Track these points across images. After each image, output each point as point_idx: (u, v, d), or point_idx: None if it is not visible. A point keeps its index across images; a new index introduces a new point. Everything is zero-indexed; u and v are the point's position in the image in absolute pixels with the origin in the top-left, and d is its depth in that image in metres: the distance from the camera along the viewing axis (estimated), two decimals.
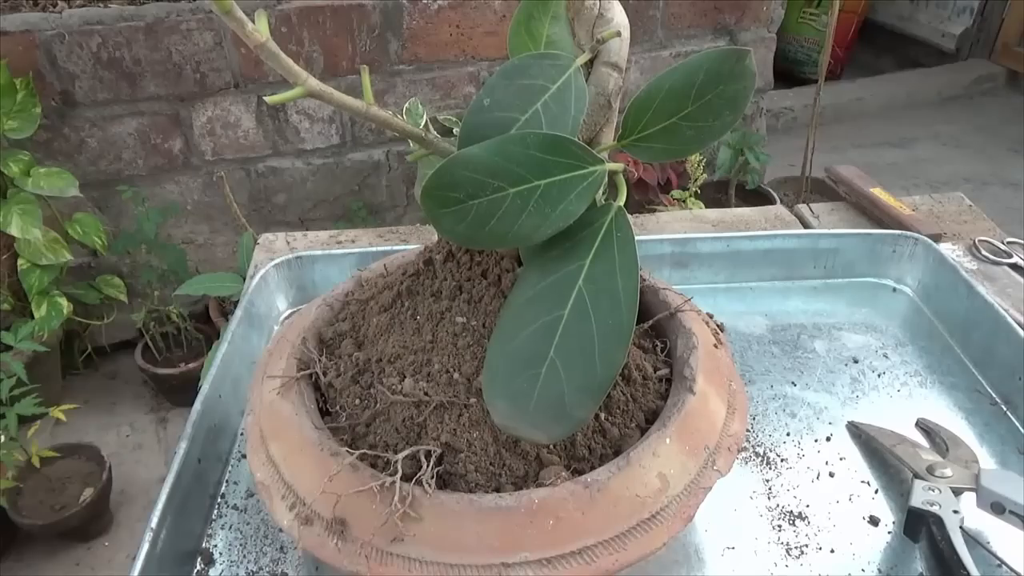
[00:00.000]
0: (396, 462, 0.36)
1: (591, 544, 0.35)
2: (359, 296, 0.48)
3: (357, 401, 0.42)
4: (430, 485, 0.35)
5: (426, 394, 0.39)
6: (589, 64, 0.38)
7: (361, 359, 0.43)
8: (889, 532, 0.50)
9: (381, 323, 0.44)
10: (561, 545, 0.35)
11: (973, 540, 0.46)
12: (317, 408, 0.42)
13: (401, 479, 0.35)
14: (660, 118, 0.34)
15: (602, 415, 0.40)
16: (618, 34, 0.36)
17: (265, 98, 0.33)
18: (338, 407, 0.42)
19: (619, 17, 0.38)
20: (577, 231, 0.34)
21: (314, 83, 0.33)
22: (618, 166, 0.35)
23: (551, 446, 0.38)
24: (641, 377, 0.43)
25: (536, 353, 0.33)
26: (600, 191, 0.39)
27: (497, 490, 0.37)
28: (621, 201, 0.35)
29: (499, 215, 0.32)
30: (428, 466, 0.36)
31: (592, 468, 0.38)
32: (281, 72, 0.32)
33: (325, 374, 0.44)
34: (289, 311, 0.72)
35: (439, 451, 0.38)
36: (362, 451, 0.38)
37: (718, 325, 0.71)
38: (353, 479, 0.36)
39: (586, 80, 0.37)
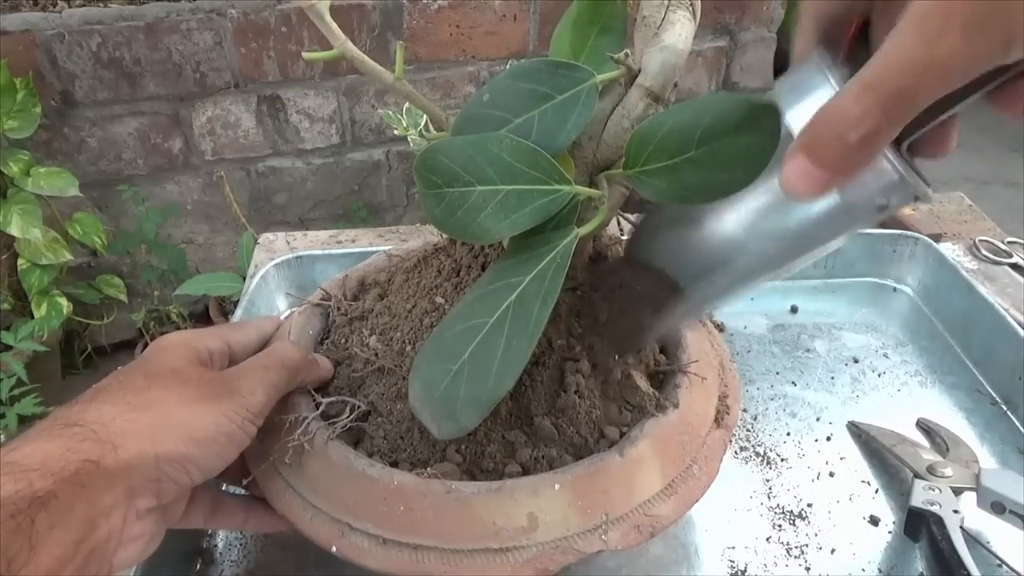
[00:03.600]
0: (320, 404, 0.40)
1: (425, 545, 0.35)
2: (407, 256, 0.51)
3: (343, 341, 0.45)
4: (331, 434, 0.38)
5: (376, 355, 0.42)
6: (631, 83, 0.35)
7: (365, 308, 0.46)
8: (889, 532, 0.50)
9: (398, 282, 0.46)
10: (400, 531, 0.36)
11: (973, 540, 0.46)
12: (316, 335, 0.47)
13: (321, 417, 0.39)
14: (662, 155, 0.32)
15: (524, 436, 0.39)
16: (622, 60, 0.34)
17: (304, 54, 0.35)
18: (329, 341, 0.46)
19: (674, 39, 0.34)
20: (537, 246, 0.34)
21: (350, 47, 0.34)
22: (595, 192, 0.35)
23: (460, 447, 0.39)
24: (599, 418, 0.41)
25: (456, 350, 0.34)
26: (600, 211, 0.37)
27: (394, 464, 0.39)
28: (585, 230, 0.34)
29: (465, 208, 0.33)
30: (347, 417, 0.39)
31: (489, 479, 0.37)
32: (324, 32, 0.34)
33: (339, 309, 0.47)
34: (289, 311, 0.72)
35: (366, 409, 0.41)
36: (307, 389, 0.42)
37: (717, 325, 0.71)
38: (283, 405, 0.40)
39: (620, 99, 0.35)
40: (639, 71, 0.35)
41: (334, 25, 0.34)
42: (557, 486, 0.36)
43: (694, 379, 0.43)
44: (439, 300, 0.42)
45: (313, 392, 0.41)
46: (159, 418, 0.33)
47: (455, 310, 0.36)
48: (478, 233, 0.34)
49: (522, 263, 0.34)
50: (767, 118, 0.28)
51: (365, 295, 0.49)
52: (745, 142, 0.29)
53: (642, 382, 0.42)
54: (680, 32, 0.34)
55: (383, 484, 0.36)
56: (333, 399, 0.40)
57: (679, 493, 0.39)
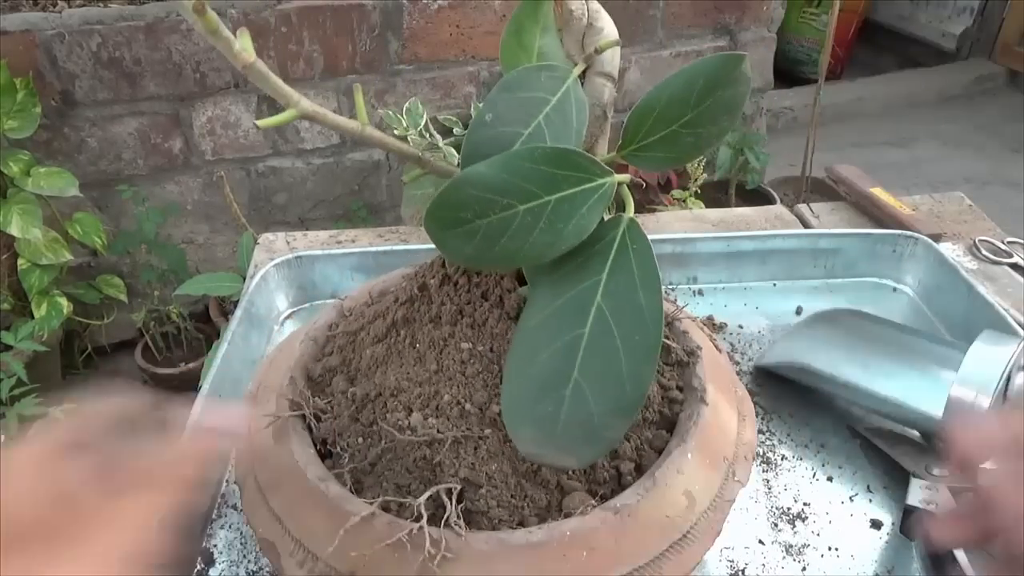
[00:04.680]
0: (419, 506, 0.34)
1: (627, 572, 0.34)
2: (346, 328, 0.46)
3: (360, 440, 0.39)
4: (459, 526, 0.34)
5: (439, 431, 0.37)
6: (582, 75, 0.37)
7: (358, 395, 0.40)
8: (888, 532, 0.50)
9: (376, 355, 0.42)
10: (602, 571, 0.33)
11: None
12: (316, 452, 0.40)
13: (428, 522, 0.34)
14: (660, 126, 0.33)
15: None
16: (616, 43, 0.36)
17: (255, 122, 0.33)
18: (339, 449, 0.40)
19: (609, 27, 0.37)
20: (587, 246, 0.33)
21: (307, 104, 0.32)
22: (624, 177, 0.34)
23: (570, 472, 0.37)
24: (653, 391, 0.42)
25: (558, 375, 0.31)
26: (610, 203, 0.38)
27: (521, 523, 0.36)
28: (630, 212, 0.34)
29: (509, 233, 0.31)
30: (452, 505, 0.35)
31: (613, 491, 0.37)
32: (271, 94, 0.31)
33: (323, 414, 0.41)
34: (289, 311, 0.72)
35: (459, 487, 0.36)
36: (383, 499, 0.36)
37: (718, 324, 0.71)
38: (370, 530, 0.34)
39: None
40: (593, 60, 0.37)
41: (282, 83, 0.31)
42: (689, 455, 0.37)
43: (685, 320, 0.46)
44: (466, 345, 0.39)
45: (401, 499, 0.36)
46: None
47: (519, 343, 0.34)
48: (533, 254, 0.32)
49: (581, 267, 0.33)
50: (741, 65, 0.32)
51: (326, 387, 0.43)
52: (731, 93, 0.32)
53: (669, 340, 0.44)
54: (607, 18, 0.37)
55: (556, 542, 0.34)
56: (428, 496, 0.35)
57: (746, 415, 0.43)
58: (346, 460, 0.39)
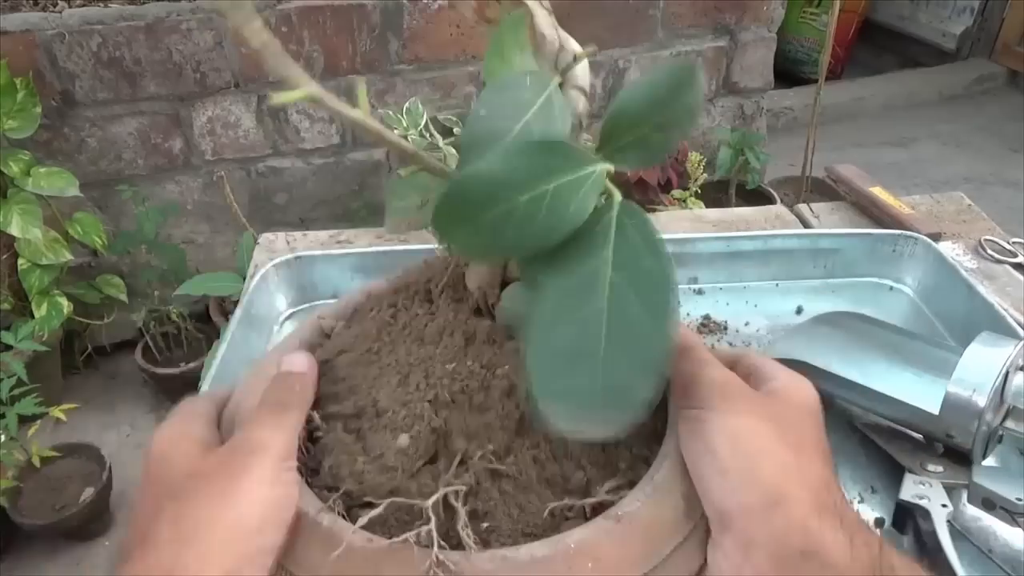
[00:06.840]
0: (426, 509, 0.33)
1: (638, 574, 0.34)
2: (328, 348, 0.44)
3: (346, 459, 0.38)
4: (469, 536, 0.33)
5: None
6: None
7: (342, 415, 0.40)
8: (887, 531, 0.50)
9: (358, 375, 0.41)
10: None
11: (961, 534, 0.46)
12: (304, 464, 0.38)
13: (429, 535, 0.33)
14: (636, 128, 0.36)
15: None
16: (593, 53, 0.39)
17: (270, 98, 0.33)
18: (328, 469, 0.38)
19: (576, 46, 0.40)
20: (587, 229, 0.34)
21: (315, 89, 0.33)
22: (611, 166, 0.37)
23: (585, 469, 0.37)
24: None
25: (586, 347, 0.32)
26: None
27: (522, 537, 0.35)
28: (618, 196, 0.36)
29: (514, 223, 0.33)
30: (463, 506, 0.34)
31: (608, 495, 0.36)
32: (284, 72, 0.32)
33: (315, 433, 0.40)
34: (289, 311, 0.72)
35: (464, 490, 0.35)
36: (390, 499, 0.34)
37: (719, 324, 0.71)
38: (370, 552, 0.33)
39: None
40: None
41: (295, 65, 0.32)
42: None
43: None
44: (450, 366, 0.39)
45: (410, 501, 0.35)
46: (209, 536, 0.32)
47: (535, 330, 0.34)
48: (540, 239, 0.34)
49: (582, 252, 0.34)
50: (697, 73, 0.35)
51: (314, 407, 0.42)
52: (689, 97, 0.34)
53: None
54: (572, 40, 0.40)
55: (561, 556, 0.33)
56: (436, 498, 0.34)
57: None
58: (327, 478, 0.37)
